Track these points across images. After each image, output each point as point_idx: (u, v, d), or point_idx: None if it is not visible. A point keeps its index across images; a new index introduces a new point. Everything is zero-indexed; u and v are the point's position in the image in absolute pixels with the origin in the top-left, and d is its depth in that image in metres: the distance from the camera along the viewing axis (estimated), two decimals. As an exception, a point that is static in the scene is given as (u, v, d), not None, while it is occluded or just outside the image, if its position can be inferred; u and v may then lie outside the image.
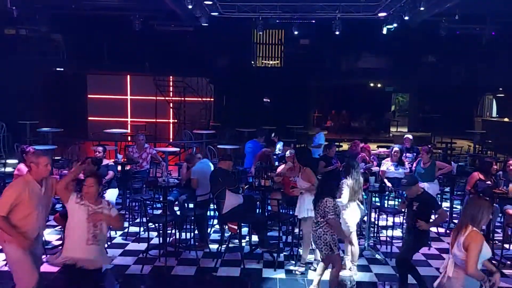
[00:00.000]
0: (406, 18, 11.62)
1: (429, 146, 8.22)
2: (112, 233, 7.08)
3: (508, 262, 6.18)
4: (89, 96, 17.97)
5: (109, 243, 6.69)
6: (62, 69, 17.04)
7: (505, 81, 17.72)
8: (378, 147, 11.94)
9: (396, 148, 8.21)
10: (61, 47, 16.86)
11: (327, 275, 5.15)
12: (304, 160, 6.20)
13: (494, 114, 21.71)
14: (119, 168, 8.32)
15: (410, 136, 9.76)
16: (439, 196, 8.18)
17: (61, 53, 16.87)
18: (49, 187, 4.26)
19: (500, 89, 20.20)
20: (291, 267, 5.98)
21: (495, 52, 15.31)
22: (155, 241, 6.74)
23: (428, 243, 6.18)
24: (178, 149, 12.27)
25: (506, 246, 6.72)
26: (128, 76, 18.06)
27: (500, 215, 6.92)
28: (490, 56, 15.64)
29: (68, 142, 12.03)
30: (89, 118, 17.96)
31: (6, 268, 5.30)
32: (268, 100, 18.74)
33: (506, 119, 18.28)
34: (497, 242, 6.87)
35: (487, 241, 6.21)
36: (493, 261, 6.13)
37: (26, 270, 4.04)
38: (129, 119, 18.09)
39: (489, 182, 6.75)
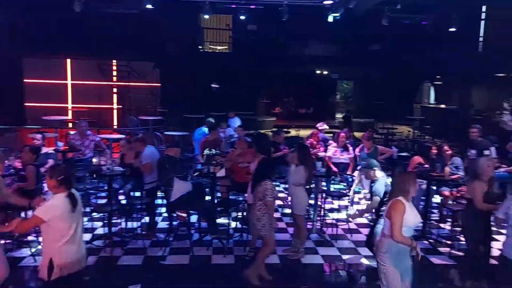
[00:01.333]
0: (351, 6, 11.87)
1: (369, 131, 8.51)
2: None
3: (444, 241, 6.57)
4: (25, 80, 16.94)
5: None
6: (-5, 52, 15.93)
7: (443, 69, 18.68)
8: (324, 132, 12.21)
9: (341, 134, 8.44)
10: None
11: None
12: (261, 146, 6.22)
13: (432, 101, 22.87)
14: (60, 156, 7.95)
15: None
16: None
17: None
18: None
19: (438, 76, 21.28)
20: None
21: (433, 41, 16.03)
22: (99, 231, 6.54)
23: None
24: (123, 136, 11.90)
25: (442, 225, 7.15)
26: (69, 60, 17.19)
27: (436, 196, 7.32)
28: (429, 45, 16.35)
29: (4, 129, 11.32)
30: (26, 104, 16.96)
31: None
32: (217, 86, 18.58)
33: (443, 106, 19.30)
34: (434, 222, 7.29)
35: (424, 221, 6.63)
36: (430, 240, 6.53)
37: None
38: (70, 104, 17.28)
39: (427, 166, 7.11)
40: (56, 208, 3.70)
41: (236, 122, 11.24)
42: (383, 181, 6.55)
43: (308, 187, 6.08)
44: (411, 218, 3.98)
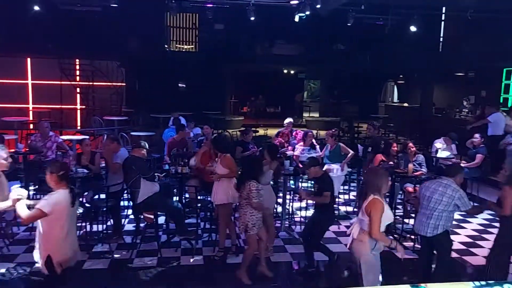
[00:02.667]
0: (318, 6, 12.02)
1: (333, 130, 8.72)
2: (15, 228, 6.55)
3: (408, 235, 6.75)
4: (-17, 80, 16.28)
5: (11, 239, 6.18)
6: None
7: (405, 69, 19.21)
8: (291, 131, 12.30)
9: (309, 133, 8.54)
10: None
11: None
12: (221, 147, 6.19)
13: (396, 99, 23.46)
14: (21, 158, 7.68)
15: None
16: (347, 176, 8.69)
17: None
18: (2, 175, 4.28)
19: (401, 76, 21.86)
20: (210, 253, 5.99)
21: (396, 41, 16.44)
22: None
23: (334, 221, 6.56)
24: (87, 136, 11.61)
25: (406, 220, 7.34)
26: (29, 59, 16.62)
27: (400, 192, 7.51)
28: (392, 45, 16.76)
29: (-41, 131, 10.83)
30: (-16, 105, 16.31)
31: None
32: (184, 85, 18.39)
33: (405, 104, 19.84)
34: (398, 217, 7.48)
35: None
36: (395, 235, 6.70)
37: None
38: (30, 105, 16.72)
39: (391, 163, 7.29)
40: (59, 203, 3.77)
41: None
42: (338, 178, 6.96)
43: (275, 185, 6.14)
44: (388, 216, 4.08)
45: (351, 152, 8.26)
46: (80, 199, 6.88)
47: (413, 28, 13.45)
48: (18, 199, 3.86)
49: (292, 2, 12.67)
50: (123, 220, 6.96)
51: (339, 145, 8.19)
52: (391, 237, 4.16)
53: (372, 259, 4.07)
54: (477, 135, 8.93)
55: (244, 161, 5.67)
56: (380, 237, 3.98)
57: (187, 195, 7.26)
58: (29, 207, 3.84)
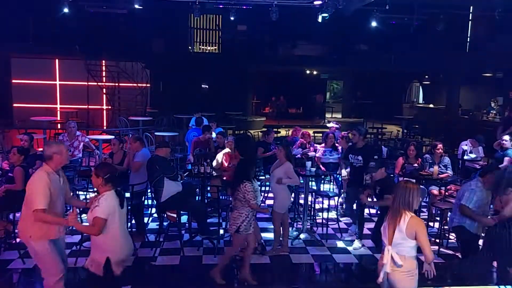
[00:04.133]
0: (340, 7, 11.93)
1: (345, 132, 8.73)
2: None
3: (433, 239, 6.64)
4: (13, 81, 16.77)
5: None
6: (-18, 52, 15.73)
7: (431, 69, 18.86)
8: (314, 132, 12.28)
9: (330, 134, 8.50)
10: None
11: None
12: (243, 148, 6.25)
13: (421, 100, 23.08)
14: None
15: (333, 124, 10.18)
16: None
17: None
18: (64, 175, 4.32)
19: (426, 76, 21.48)
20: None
21: (421, 41, 16.18)
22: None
23: None
24: (113, 136, 11.84)
25: (431, 224, 7.22)
26: (57, 60, 17.04)
27: (425, 195, 7.38)
28: (417, 45, 16.50)
29: (-9, 130, 11.20)
30: (14, 105, 16.80)
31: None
32: (206, 86, 18.55)
33: (431, 105, 19.49)
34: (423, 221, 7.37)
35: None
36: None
37: (54, 262, 4.10)
38: (58, 105, 17.14)
39: (416, 165, 7.18)
40: (109, 205, 3.86)
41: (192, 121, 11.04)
42: None
43: (292, 186, 6.17)
44: None
45: None
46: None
47: (439, 28, 13.22)
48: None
49: (315, 3, 12.62)
50: (146, 218, 7.07)
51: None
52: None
53: (415, 282, 3.74)
54: (505, 137, 8.71)
55: (239, 162, 5.55)
56: (432, 255, 3.68)
57: (209, 195, 7.32)
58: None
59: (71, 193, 4.58)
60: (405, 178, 6.63)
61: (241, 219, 5.01)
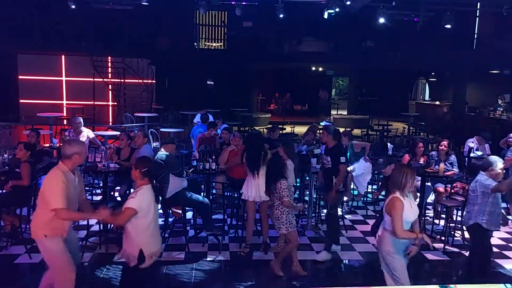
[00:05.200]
0: (348, 3, 11.88)
1: (346, 129, 8.75)
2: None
3: (438, 237, 6.62)
4: (20, 77, 16.86)
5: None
6: (-11, 48, 15.81)
7: (437, 66, 18.74)
8: (319, 129, 12.24)
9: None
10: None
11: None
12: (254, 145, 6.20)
13: (427, 97, 22.96)
14: (55, 153, 7.94)
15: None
16: (376, 175, 8.58)
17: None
18: (79, 174, 4.33)
19: (433, 73, 21.36)
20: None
21: (428, 38, 16.07)
22: (95, 228, 6.54)
23: None
24: (118, 132, 11.88)
25: (436, 221, 7.20)
26: (63, 56, 17.11)
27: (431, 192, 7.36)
28: (423, 42, 16.39)
29: (-2, 126, 11.27)
30: (21, 101, 16.89)
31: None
32: (212, 83, 18.56)
33: (437, 102, 19.38)
34: (428, 218, 7.35)
35: (419, 217, 6.67)
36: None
37: (67, 261, 4.09)
38: (64, 101, 17.22)
39: (421, 162, 7.15)
40: (145, 199, 3.95)
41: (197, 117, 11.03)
42: (362, 176, 7.22)
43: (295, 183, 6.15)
44: (409, 214, 4.03)
45: (367, 144, 8.21)
46: (112, 193, 7.09)
47: (446, 25, 13.11)
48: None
49: (321, -1, 12.59)
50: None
51: (352, 143, 8.12)
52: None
53: (394, 262, 4.04)
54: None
55: (270, 160, 5.56)
56: (404, 234, 3.96)
57: (214, 191, 7.34)
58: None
59: (86, 194, 4.58)
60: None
61: (285, 216, 5.12)
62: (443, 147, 7.24)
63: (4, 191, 6.08)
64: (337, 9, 12.20)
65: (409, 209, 4.02)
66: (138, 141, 6.72)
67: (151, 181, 4.08)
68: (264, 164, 5.66)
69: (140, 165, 4.05)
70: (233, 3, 13.67)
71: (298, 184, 7.67)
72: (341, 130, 9.64)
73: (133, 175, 4.08)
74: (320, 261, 5.76)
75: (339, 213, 7.44)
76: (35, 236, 4.12)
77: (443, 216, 7.04)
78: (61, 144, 8.21)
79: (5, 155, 6.84)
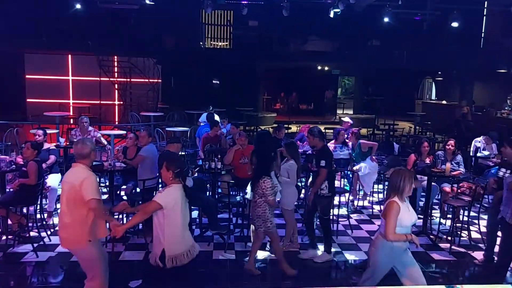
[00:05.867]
0: (352, 2, 11.85)
1: (358, 128, 8.71)
2: (55, 220, 6.81)
3: (444, 237, 6.59)
4: (27, 76, 16.98)
5: (52, 230, 6.45)
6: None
7: (444, 66, 18.65)
8: (325, 129, 12.23)
9: (342, 131, 8.47)
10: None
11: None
12: (262, 144, 6.19)
13: (433, 97, 22.84)
14: (62, 152, 7.99)
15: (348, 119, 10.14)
16: (382, 175, 8.55)
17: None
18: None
19: (439, 73, 21.25)
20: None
21: (434, 37, 15.99)
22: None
23: None
24: (124, 132, 11.93)
25: (443, 221, 7.16)
26: (70, 56, 17.20)
27: (438, 192, 7.32)
28: (430, 41, 16.31)
29: (5, 125, 11.34)
30: (28, 100, 17.02)
31: None
32: (217, 82, 18.59)
33: (444, 102, 19.28)
34: (435, 217, 7.31)
35: (425, 217, 6.65)
36: (431, 236, 6.55)
37: (103, 264, 4.09)
38: (71, 100, 17.33)
39: (428, 162, 7.11)
40: (172, 196, 3.89)
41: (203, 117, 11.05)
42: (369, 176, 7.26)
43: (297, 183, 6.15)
44: (406, 218, 3.97)
45: (374, 143, 8.16)
46: (118, 192, 7.12)
47: (452, 24, 13.04)
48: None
49: (327, -2, 12.57)
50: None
51: (359, 143, 8.10)
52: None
53: (379, 263, 4.03)
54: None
55: (257, 158, 5.38)
56: (395, 238, 3.90)
57: (219, 190, 7.34)
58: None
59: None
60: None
61: (266, 215, 5.09)
62: (450, 146, 7.19)
63: (11, 189, 6.11)
64: (343, 8, 12.16)
65: (406, 213, 3.96)
66: (143, 141, 6.75)
67: (182, 182, 4.01)
68: (275, 168, 5.44)
69: (172, 166, 3.96)
70: (239, 2, 13.66)
71: (303, 184, 7.66)
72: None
73: (165, 177, 3.99)
74: (319, 262, 5.68)
75: (345, 212, 7.45)
76: (75, 245, 3.94)
77: (450, 216, 7.00)
78: (67, 143, 8.25)
79: (13, 154, 6.89)
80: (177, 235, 3.92)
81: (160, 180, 6.57)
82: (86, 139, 4.41)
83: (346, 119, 9.83)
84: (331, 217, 6.08)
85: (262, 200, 5.07)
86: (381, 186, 8.71)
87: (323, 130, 10.77)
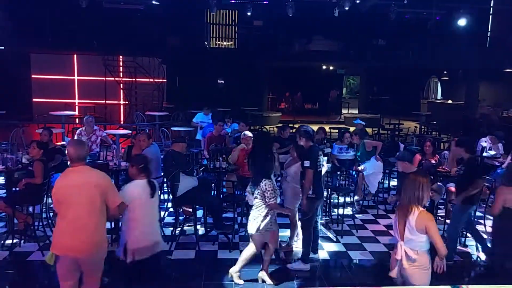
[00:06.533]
0: (358, 1, 11.83)
1: (357, 128, 8.70)
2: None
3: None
4: (33, 76, 17.07)
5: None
6: (3, 48, 16.02)
7: (449, 65, 18.56)
8: (330, 128, 12.21)
9: (347, 133, 8.47)
10: (1, 24, 15.80)
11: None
12: (261, 144, 6.21)
13: (439, 96, 22.74)
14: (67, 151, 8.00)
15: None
16: (386, 174, 8.53)
17: (2, 30, 15.82)
18: None
19: (445, 72, 21.15)
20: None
21: (440, 36, 15.91)
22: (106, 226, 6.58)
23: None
24: (129, 131, 11.97)
25: (448, 221, 7.12)
26: (75, 56, 17.28)
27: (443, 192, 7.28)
28: (435, 40, 16.24)
29: (12, 125, 11.41)
30: (34, 100, 17.11)
31: None
32: (222, 82, 18.60)
33: (449, 101, 19.19)
34: (440, 218, 7.27)
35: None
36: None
37: None
38: (76, 100, 17.40)
39: (433, 161, 7.09)
40: (131, 191, 3.98)
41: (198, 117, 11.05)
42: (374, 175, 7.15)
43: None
44: None
45: (379, 143, 8.14)
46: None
47: (458, 23, 12.98)
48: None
49: (332, -3, 12.55)
50: (163, 213, 7.13)
51: (363, 142, 8.06)
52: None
53: (428, 275, 3.69)
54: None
55: (257, 159, 5.22)
56: (445, 250, 3.59)
57: (224, 190, 7.35)
58: None
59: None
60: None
61: (261, 217, 4.84)
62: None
63: (17, 189, 6.15)
64: (348, 7, 12.14)
65: None
66: (143, 144, 6.70)
67: (147, 177, 4.15)
68: (273, 170, 5.29)
69: (136, 162, 4.18)
70: (244, 2, 13.67)
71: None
72: (352, 129, 9.69)
73: (130, 173, 4.16)
74: (292, 269, 5.42)
75: (350, 212, 7.43)
76: (100, 251, 3.76)
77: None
78: (73, 148, 8.30)
79: (19, 154, 6.93)
80: (138, 229, 3.97)
81: (164, 180, 6.60)
82: (79, 140, 4.42)
83: (359, 121, 9.91)
84: (338, 216, 6.06)
85: (261, 201, 4.85)
86: (385, 186, 8.67)
87: (328, 130, 10.79)
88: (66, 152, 3.95)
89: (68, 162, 3.93)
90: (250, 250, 5.00)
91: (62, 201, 3.66)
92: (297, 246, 6.04)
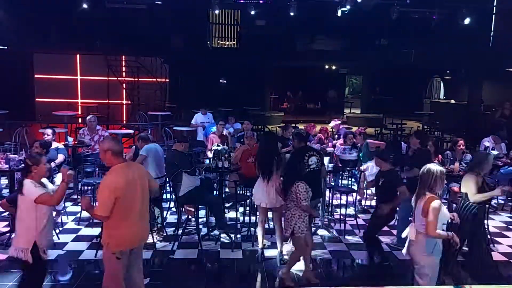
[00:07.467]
0: (360, 0, 11.81)
1: (360, 128, 8.70)
2: (64, 218, 6.87)
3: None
4: (36, 76, 17.10)
5: (60, 228, 6.50)
6: (6, 48, 16.06)
7: (452, 64, 18.51)
8: (332, 128, 12.19)
9: (349, 134, 8.47)
10: (4, 24, 15.85)
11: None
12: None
13: (442, 96, 22.68)
14: (70, 151, 8.05)
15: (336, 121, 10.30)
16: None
17: (5, 30, 15.86)
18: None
19: (448, 71, 21.09)
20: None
21: (443, 36, 15.87)
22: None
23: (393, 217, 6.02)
24: (132, 131, 11.99)
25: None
26: (78, 55, 17.31)
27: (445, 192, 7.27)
28: (438, 40, 16.19)
29: (14, 124, 11.44)
30: (37, 100, 17.14)
31: None
32: (225, 81, 18.61)
33: (452, 101, 19.14)
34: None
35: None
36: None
37: None
38: (79, 100, 17.43)
39: (436, 161, 7.07)
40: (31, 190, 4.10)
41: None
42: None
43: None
44: (444, 214, 3.95)
45: (382, 143, 8.14)
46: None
47: (461, 22, 12.94)
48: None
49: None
50: (165, 212, 7.14)
51: (366, 142, 8.05)
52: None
53: (432, 262, 3.94)
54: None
55: (289, 160, 5.34)
56: (437, 234, 3.85)
57: (227, 190, 7.35)
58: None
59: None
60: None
61: (294, 220, 4.85)
62: (461, 146, 7.15)
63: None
64: (350, 7, 12.12)
65: (444, 210, 3.94)
66: (141, 146, 6.68)
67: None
68: (278, 170, 5.37)
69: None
70: (247, 1, 13.67)
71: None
72: (354, 129, 9.69)
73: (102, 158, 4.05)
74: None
75: (352, 212, 7.42)
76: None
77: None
78: (75, 143, 8.32)
79: (22, 153, 6.95)
80: (44, 228, 4.10)
81: (167, 179, 6.61)
82: (111, 136, 4.40)
83: (333, 123, 9.99)
84: (340, 216, 6.03)
85: (293, 204, 4.86)
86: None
87: (330, 130, 10.79)
88: (105, 150, 3.82)
89: (107, 161, 3.92)
90: (293, 253, 5.12)
91: (127, 197, 3.74)
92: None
